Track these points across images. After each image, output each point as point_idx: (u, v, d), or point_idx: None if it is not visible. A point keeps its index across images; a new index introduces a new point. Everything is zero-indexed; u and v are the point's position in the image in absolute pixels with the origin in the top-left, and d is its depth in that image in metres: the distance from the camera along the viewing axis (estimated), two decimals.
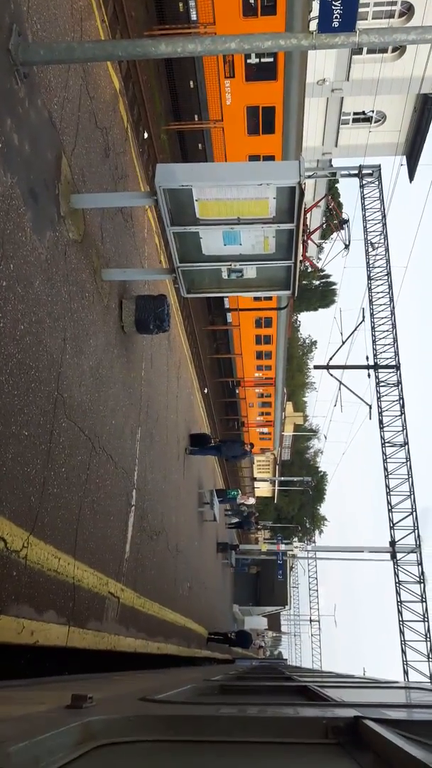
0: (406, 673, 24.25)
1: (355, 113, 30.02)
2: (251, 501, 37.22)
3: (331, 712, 1.51)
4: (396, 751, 1.09)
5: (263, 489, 60.62)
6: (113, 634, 7.39)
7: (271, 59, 14.09)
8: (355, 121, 30.40)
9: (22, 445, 4.74)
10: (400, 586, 25.37)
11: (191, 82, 14.86)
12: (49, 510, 5.30)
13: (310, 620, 63.58)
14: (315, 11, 8.05)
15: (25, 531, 4.77)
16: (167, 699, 1.91)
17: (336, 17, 4.76)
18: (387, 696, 2.99)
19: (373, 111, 29.43)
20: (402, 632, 24.64)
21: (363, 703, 2.21)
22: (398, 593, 25.28)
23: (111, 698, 1.96)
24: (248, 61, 14.10)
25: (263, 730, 1.40)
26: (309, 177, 26.85)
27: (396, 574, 25.66)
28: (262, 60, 14.20)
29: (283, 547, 36.53)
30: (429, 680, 23.23)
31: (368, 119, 30.14)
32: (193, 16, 13.20)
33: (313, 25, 5.20)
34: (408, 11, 24.18)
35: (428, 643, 24.17)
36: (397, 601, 25.11)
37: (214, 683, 3.02)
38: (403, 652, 24.41)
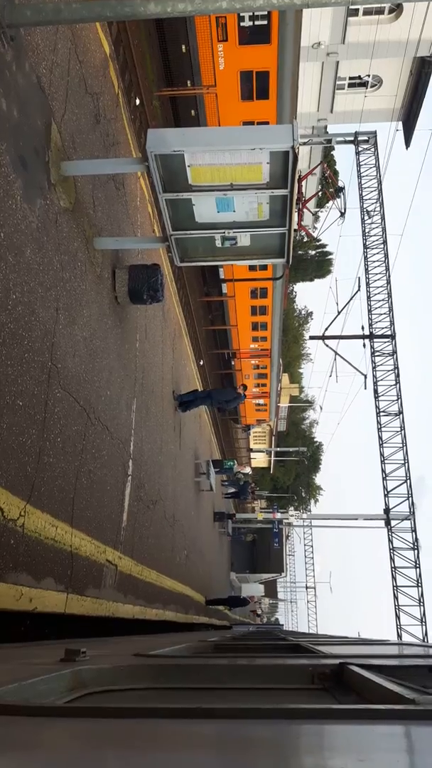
0: (399, 636, 24.79)
1: (350, 78, 29.46)
2: (247, 470, 37.49)
3: (318, 661, 1.56)
4: (375, 687, 1.13)
5: (259, 460, 61.09)
6: (111, 600, 7.52)
7: (265, 22, 13.76)
8: (350, 86, 29.84)
9: (16, 415, 4.76)
10: (395, 553, 25.79)
11: (183, 47, 14.52)
12: (46, 479, 5.34)
13: (306, 587, 64.70)
14: None
15: (21, 500, 4.81)
16: (160, 654, 1.96)
17: None
18: (373, 650, 3.07)
19: (369, 75, 28.87)
20: (396, 597, 25.13)
21: (350, 654, 2.27)
22: (392, 559, 25.70)
23: (105, 654, 2.01)
24: (241, 24, 13.77)
25: (252, 677, 1.44)
26: (304, 144, 26.46)
27: (390, 541, 26.06)
28: (256, 23, 13.87)
29: (278, 515, 36.95)
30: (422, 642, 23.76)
31: (364, 84, 29.59)
32: None
33: None
34: None
35: (421, 607, 24.67)
36: (392, 567, 25.56)
37: (209, 643, 3.09)
38: (397, 616, 24.93)
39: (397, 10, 25.17)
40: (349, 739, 0.96)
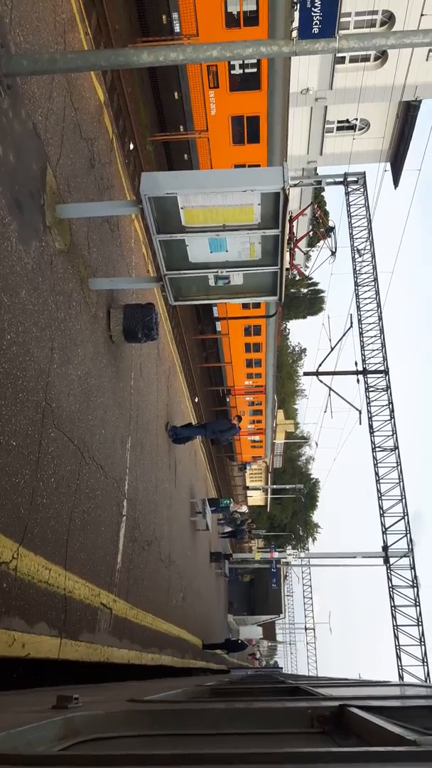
0: (401, 677, 24.22)
1: (339, 121, 30.31)
2: (244, 509, 37.13)
3: (318, 704, 1.52)
4: (376, 729, 1.10)
5: (256, 497, 60.56)
6: (106, 645, 7.34)
7: (254, 69, 14.23)
8: (339, 129, 30.68)
9: (10, 456, 4.73)
10: (394, 591, 25.39)
11: (176, 93, 14.95)
12: (39, 521, 5.27)
13: (305, 628, 63.41)
14: (297, 22, 8.14)
15: (14, 542, 4.74)
16: (156, 699, 1.91)
17: (316, 24, 4.83)
18: (373, 691, 3.00)
19: (356, 119, 29.72)
20: (396, 637, 24.64)
21: (350, 696, 2.21)
22: (392, 598, 25.30)
23: (99, 701, 1.95)
24: (232, 71, 14.23)
25: (249, 722, 1.40)
26: (295, 185, 27.05)
27: (389, 579, 25.69)
28: (246, 70, 14.33)
29: (276, 555, 36.44)
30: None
31: (352, 127, 30.44)
32: (177, 29, 13.31)
33: (296, 34, 5.27)
34: (389, 20, 24.50)
35: (422, 647, 24.17)
36: (391, 606, 25.13)
37: (206, 687, 3.01)
38: (398, 656, 24.40)
39: (382, 57, 26.10)
40: None
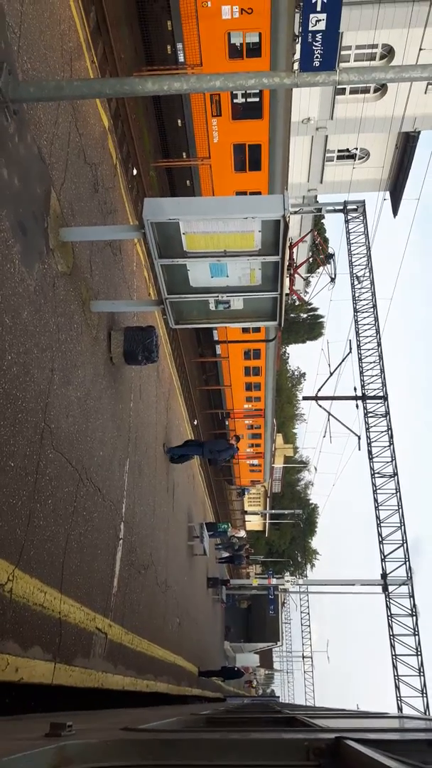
0: (400, 709, 23.79)
1: (339, 150, 30.78)
2: (242, 534, 36.82)
3: (314, 736, 1.50)
4: (373, 764, 1.08)
5: (254, 522, 60.09)
6: (101, 671, 7.23)
7: (257, 99, 14.49)
8: (339, 158, 31.14)
9: (8, 477, 4.71)
10: (393, 620, 25.07)
11: (179, 121, 15.21)
12: (35, 543, 5.23)
13: (303, 656, 62.43)
14: (298, 54, 8.32)
15: (10, 564, 4.70)
16: (150, 728, 1.88)
17: (317, 57, 4.94)
18: (371, 723, 2.95)
19: (356, 148, 30.19)
20: (395, 666, 24.27)
21: (346, 728, 2.17)
22: (390, 627, 24.97)
23: (92, 728, 1.91)
24: (234, 100, 14.49)
25: (243, 753, 1.37)
26: (295, 213, 27.37)
27: (388, 607, 25.39)
28: (248, 99, 14.60)
29: (274, 581, 36.05)
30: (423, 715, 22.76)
31: (352, 156, 30.90)
32: (181, 58, 13.59)
33: (297, 66, 5.38)
34: (389, 54, 25.02)
35: (422, 677, 23.79)
36: (390, 635, 24.79)
37: (201, 716, 2.96)
38: (397, 687, 24.00)
39: (381, 89, 26.61)
40: None
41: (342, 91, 26.55)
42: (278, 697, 72.20)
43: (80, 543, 6.54)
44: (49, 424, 5.66)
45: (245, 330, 21.99)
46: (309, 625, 60.90)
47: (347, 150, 30.74)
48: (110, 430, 8.16)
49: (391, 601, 25.47)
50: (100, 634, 7.26)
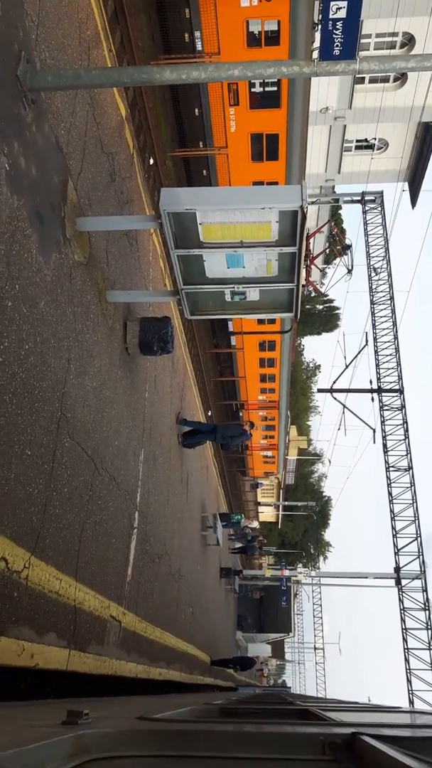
0: (411, 702, 23.80)
1: (357, 141, 30.46)
2: (255, 524, 36.90)
3: (329, 730, 1.49)
4: (390, 762, 1.08)
5: (267, 514, 60.17)
6: (114, 658, 7.30)
7: (275, 88, 14.37)
8: (357, 148, 30.82)
9: (24, 465, 4.75)
10: (405, 613, 25.03)
11: (196, 110, 15.13)
12: (51, 531, 5.28)
13: (315, 648, 62.60)
14: (317, 42, 8.21)
15: (26, 551, 4.74)
16: (164, 718, 1.89)
17: (337, 45, 4.87)
18: (386, 718, 2.94)
19: (375, 138, 29.85)
20: (407, 660, 24.25)
21: (362, 722, 2.17)
22: (403, 620, 24.94)
23: (108, 716, 1.93)
24: (252, 89, 14.38)
25: (259, 746, 1.38)
26: (312, 203, 27.15)
27: (401, 601, 25.34)
28: (266, 89, 14.48)
29: (287, 572, 36.12)
30: None
31: (371, 147, 30.56)
32: (199, 47, 13.50)
33: (316, 55, 5.32)
34: (409, 42, 24.65)
35: None
36: (402, 629, 24.76)
37: (214, 706, 2.98)
38: (409, 681, 24.00)
39: (401, 78, 26.25)
40: None
41: (361, 80, 26.23)
42: (290, 687, 72.54)
43: (95, 531, 6.59)
44: (65, 413, 5.69)
45: (260, 321, 21.94)
46: (321, 617, 61.05)
47: (365, 140, 30.41)
48: (125, 420, 8.19)
49: (404, 594, 25.43)
50: (114, 621, 7.33)
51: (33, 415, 4.94)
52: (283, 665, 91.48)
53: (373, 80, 26.58)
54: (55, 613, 5.34)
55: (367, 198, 27.21)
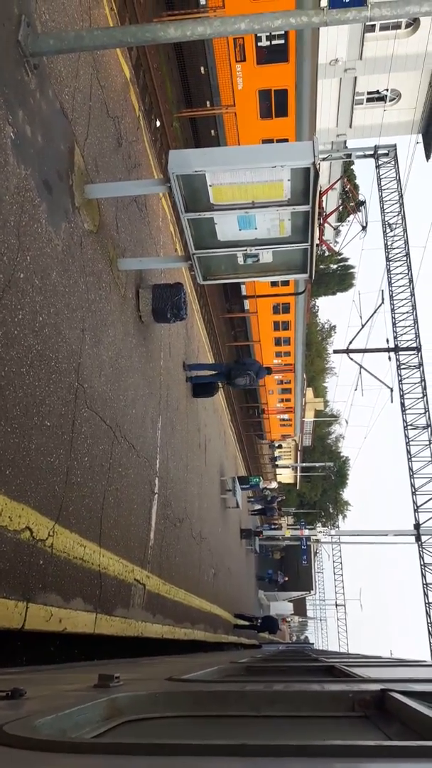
0: None
1: (369, 93, 29.57)
2: (274, 485, 37.23)
3: (358, 687, 1.52)
4: (423, 720, 1.09)
5: (285, 475, 60.62)
6: (140, 620, 7.48)
7: (282, 41, 13.91)
8: (369, 100, 29.95)
9: (44, 436, 4.79)
10: (425, 569, 25.29)
11: (202, 69, 14.72)
12: (74, 499, 5.36)
13: (336, 604, 63.68)
14: None
15: (50, 520, 4.83)
16: (194, 678, 1.94)
17: None
18: (413, 673, 2.99)
19: (387, 89, 28.94)
20: (428, 614, 24.61)
21: (389, 678, 2.21)
22: (423, 575, 25.21)
23: (138, 679, 1.98)
24: (259, 44, 13.94)
25: (290, 704, 1.41)
26: (324, 159, 26.53)
27: (421, 557, 25.58)
28: (273, 42, 14.02)
29: (306, 532, 36.55)
30: None
31: (383, 98, 29.67)
32: (202, 1, 13.06)
33: (324, 3, 5.12)
34: None
35: None
36: (423, 584, 25.05)
37: (241, 665, 3.04)
38: (430, 634, 24.38)
39: (413, 24, 25.27)
40: None
41: (371, 29, 25.31)
42: (312, 643, 74.13)
43: (117, 498, 6.68)
44: (82, 383, 5.72)
45: (274, 284, 21.70)
46: (341, 574, 61.88)
47: (377, 92, 29.50)
48: (142, 388, 8.22)
49: (424, 550, 25.64)
50: (139, 585, 7.49)
51: (50, 386, 4.97)
52: (305, 622, 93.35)
53: (384, 27, 25.63)
54: (80, 579, 5.46)
55: (380, 152, 26.49)
